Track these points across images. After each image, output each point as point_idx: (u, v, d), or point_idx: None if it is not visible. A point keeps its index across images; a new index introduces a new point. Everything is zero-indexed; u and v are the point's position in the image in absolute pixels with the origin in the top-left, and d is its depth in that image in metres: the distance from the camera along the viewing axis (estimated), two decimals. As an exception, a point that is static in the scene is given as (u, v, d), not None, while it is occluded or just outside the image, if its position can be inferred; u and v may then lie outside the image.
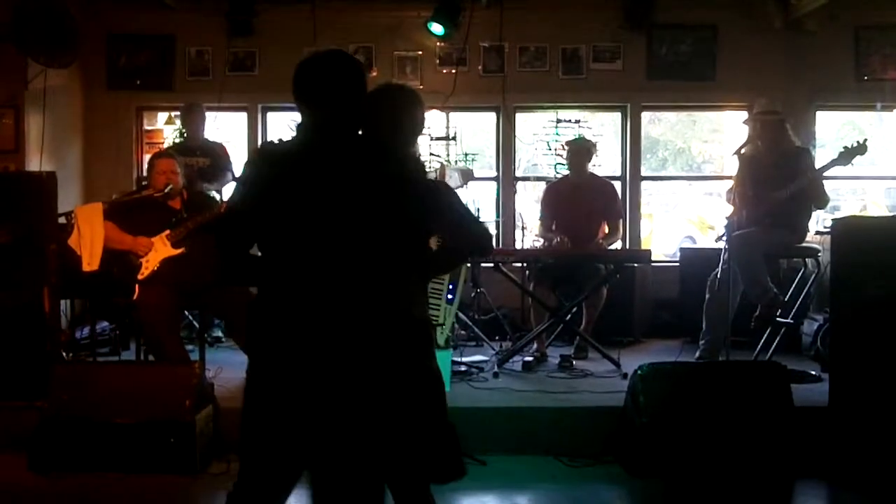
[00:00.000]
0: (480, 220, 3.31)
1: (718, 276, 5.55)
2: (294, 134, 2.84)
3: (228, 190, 7.37)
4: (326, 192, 2.62)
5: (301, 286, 2.63)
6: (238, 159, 7.65)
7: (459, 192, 7.05)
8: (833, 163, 5.59)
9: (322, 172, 2.65)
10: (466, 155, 8.07)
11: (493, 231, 5.16)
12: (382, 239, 2.66)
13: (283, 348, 2.64)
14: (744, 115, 7.98)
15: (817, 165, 5.81)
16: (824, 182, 5.78)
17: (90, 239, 5.50)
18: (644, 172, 8.45)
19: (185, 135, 7.46)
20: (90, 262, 5.46)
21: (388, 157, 2.79)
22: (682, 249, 8.11)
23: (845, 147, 5.56)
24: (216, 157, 7.12)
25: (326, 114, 2.73)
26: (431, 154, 7.89)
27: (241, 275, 2.90)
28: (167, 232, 5.63)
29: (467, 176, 6.90)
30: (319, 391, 2.63)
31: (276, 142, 2.92)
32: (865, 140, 5.54)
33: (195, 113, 7.23)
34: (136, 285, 5.51)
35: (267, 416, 2.70)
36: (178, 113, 8.03)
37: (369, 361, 2.63)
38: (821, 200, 5.80)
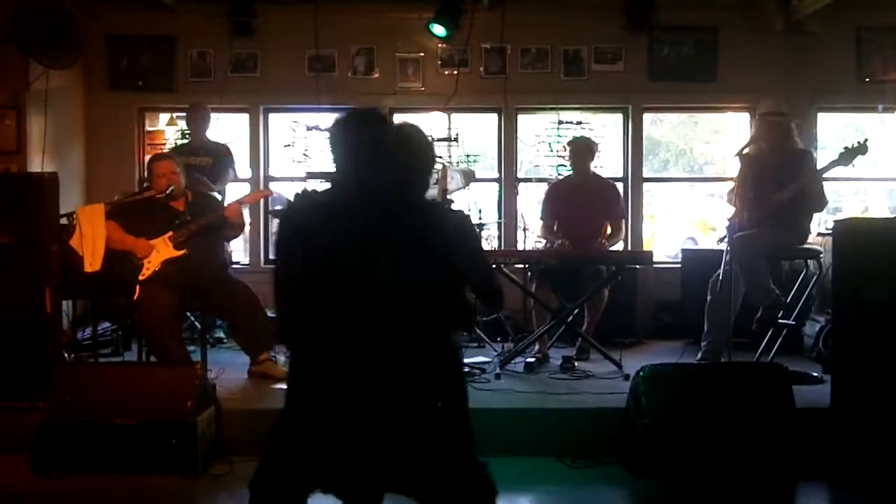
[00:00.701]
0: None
1: (720, 277, 5.55)
2: (328, 186, 2.96)
3: (231, 190, 7.36)
4: (365, 248, 2.72)
5: (341, 343, 2.73)
6: (241, 160, 7.67)
7: (461, 193, 7.09)
8: (834, 163, 5.59)
9: (359, 229, 2.75)
10: (468, 156, 8.08)
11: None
12: (419, 289, 2.76)
13: (327, 401, 2.76)
14: (745, 116, 8.04)
15: (818, 167, 5.81)
16: (823, 185, 5.77)
17: (92, 240, 5.51)
18: (646, 174, 8.44)
19: (189, 135, 7.47)
20: (92, 262, 5.47)
21: (416, 208, 2.90)
22: (683, 251, 8.11)
23: (846, 147, 5.55)
24: (220, 158, 7.13)
25: (359, 171, 2.83)
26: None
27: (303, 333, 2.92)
28: (170, 233, 5.64)
29: (469, 177, 6.89)
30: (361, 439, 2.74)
31: (310, 193, 2.99)
32: (866, 140, 5.54)
33: (200, 113, 7.23)
34: (138, 286, 5.51)
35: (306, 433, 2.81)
36: (179, 114, 8.04)
37: (408, 408, 2.77)
38: (818, 203, 5.79)
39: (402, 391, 2.74)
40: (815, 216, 6.06)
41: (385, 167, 2.84)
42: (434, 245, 2.79)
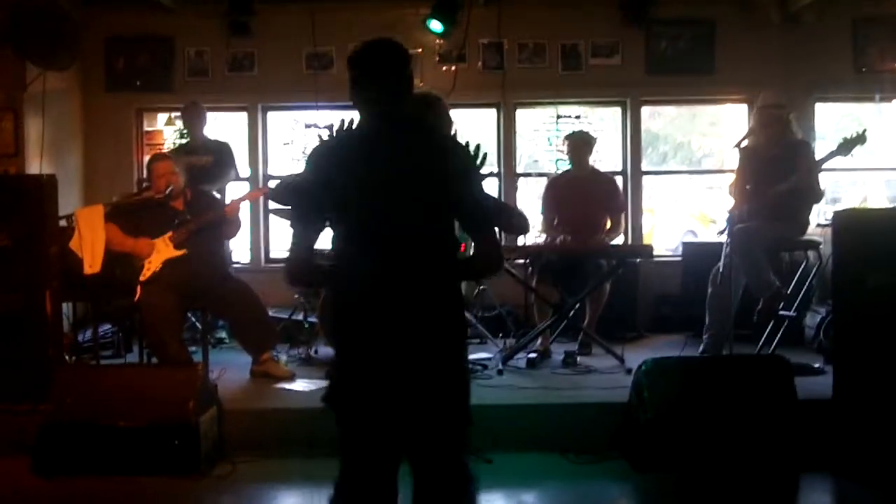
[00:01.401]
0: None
1: (720, 270, 5.54)
2: (354, 122, 3.04)
3: (231, 189, 7.35)
4: (394, 171, 2.79)
5: (369, 257, 2.79)
6: (240, 159, 7.65)
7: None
8: (833, 153, 5.58)
9: (389, 153, 2.83)
10: (467, 152, 8.05)
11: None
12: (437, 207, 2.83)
13: (362, 315, 2.81)
14: (743, 108, 8.03)
15: (817, 157, 5.80)
16: (819, 177, 5.76)
17: (91, 241, 5.51)
18: (644, 167, 8.44)
19: (188, 134, 7.46)
20: (92, 264, 5.47)
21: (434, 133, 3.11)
22: (683, 244, 8.12)
23: (845, 138, 5.55)
24: (220, 156, 7.12)
25: (388, 96, 2.87)
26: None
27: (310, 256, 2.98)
28: (170, 233, 5.64)
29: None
30: (397, 352, 2.78)
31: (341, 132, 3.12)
32: (865, 130, 5.53)
33: (195, 112, 7.23)
34: (138, 286, 5.51)
35: (360, 376, 2.85)
36: (177, 114, 8.03)
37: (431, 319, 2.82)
38: (813, 195, 5.78)
39: (420, 327, 2.81)
40: (815, 207, 6.05)
41: (406, 96, 2.93)
42: (450, 174, 2.87)
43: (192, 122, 7.24)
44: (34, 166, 7.04)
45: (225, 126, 8.22)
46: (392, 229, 2.79)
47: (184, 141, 7.67)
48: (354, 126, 3.06)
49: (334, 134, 3.00)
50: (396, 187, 2.79)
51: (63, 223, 5.62)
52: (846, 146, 5.51)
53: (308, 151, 3.22)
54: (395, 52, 2.91)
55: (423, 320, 2.81)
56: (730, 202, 5.96)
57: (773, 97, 5.98)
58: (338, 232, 2.91)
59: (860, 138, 5.48)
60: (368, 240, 2.82)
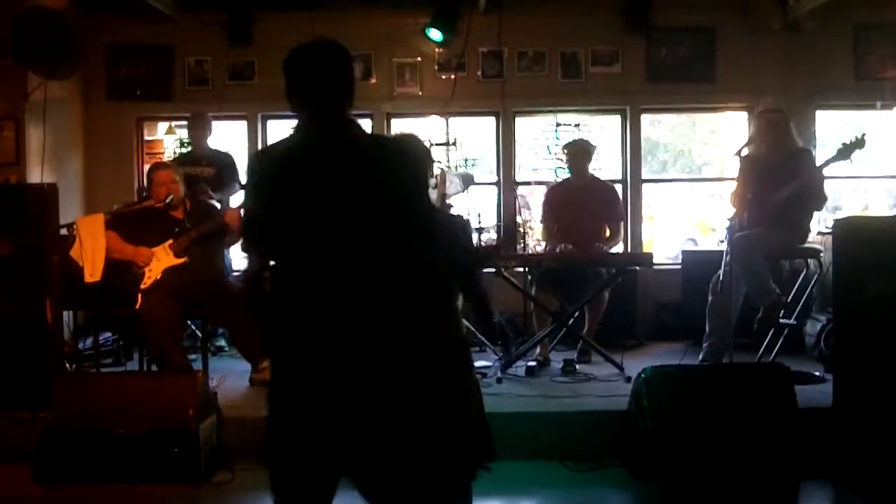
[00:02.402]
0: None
1: (721, 278, 5.54)
2: (292, 132, 2.91)
3: (236, 199, 7.35)
4: (332, 189, 2.67)
5: (313, 282, 2.66)
6: (240, 168, 7.66)
7: (460, 197, 7.08)
8: (832, 159, 5.58)
9: (326, 170, 2.70)
10: (466, 160, 8.08)
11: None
12: (383, 230, 2.70)
13: (300, 347, 2.67)
14: (744, 116, 8.03)
15: (817, 163, 5.81)
16: (823, 183, 5.76)
17: (92, 250, 5.51)
18: (644, 175, 8.44)
19: (191, 145, 7.47)
20: (92, 273, 5.48)
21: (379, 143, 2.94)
22: (683, 252, 8.11)
23: (844, 143, 5.54)
24: (223, 167, 7.12)
25: (322, 107, 2.79)
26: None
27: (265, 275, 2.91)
28: (170, 241, 5.64)
29: (468, 181, 6.88)
30: (337, 387, 2.65)
31: (276, 143, 2.98)
32: (864, 134, 5.52)
33: (200, 122, 7.22)
34: (139, 295, 5.52)
35: (291, 420, 2.71)
36: (178, 123, 8.04)
37: (378, 357, 2.66)
38: (818, 201, 5.78)
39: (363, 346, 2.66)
40: (815, 215, 6.05)
41: (344, 101, 2.82)
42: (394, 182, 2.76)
43: (197, 132, 7.24)
44: (35, 175, 7.05)
45: (225, 135, 8.22)
46: (332, 253, 2.65)
47: (184, 150, 7.68)
48: (290, 135, 2.93)
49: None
50: (333, 205, 2.65)
51: (64, 232, 5.63)
52: (846, 151, 5.51)
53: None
54: (331, 54, 2.80)
55: (373, 366, 2.65)
56: (730, 211, 5.96)
57: (772, 102, 5.98)
58: (277, 257, 2.79)
59: (859, 142, 5.47)
60: (304, 266, 2.68)
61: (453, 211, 6.55)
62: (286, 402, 2.72)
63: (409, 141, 3.47)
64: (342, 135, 2.77)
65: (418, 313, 2.77)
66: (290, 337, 2.68)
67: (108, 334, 6.54)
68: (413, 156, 2.94)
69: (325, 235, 2.65)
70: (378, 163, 2.74)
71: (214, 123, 7.51)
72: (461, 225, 3.25)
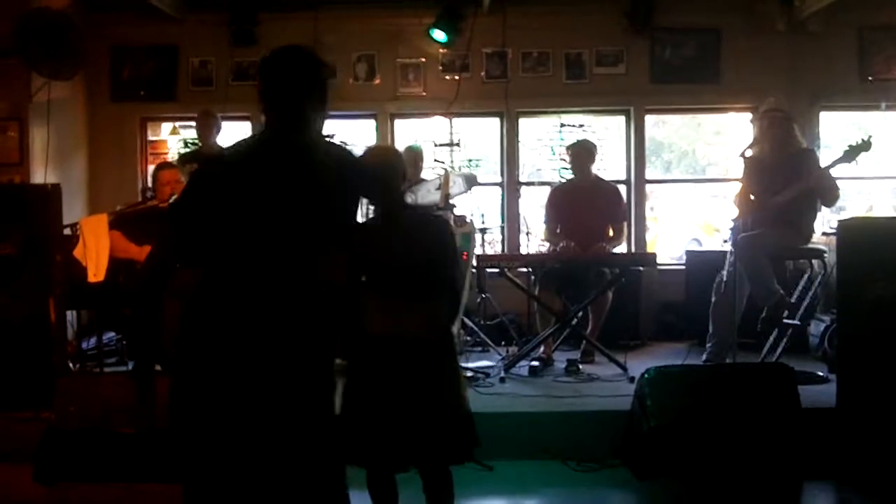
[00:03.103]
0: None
1: (724, 278, 5.53)
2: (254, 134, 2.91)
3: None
4: (270, 200, 2.64)
5: (239, 295, 2.63)
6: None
7: (464, 197, 7.08)
8: (838, 161, 5.57)
9: (266, 180, 2.68)
10: (470, 161, 8.08)
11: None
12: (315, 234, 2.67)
13: (216, 358, 2.64)
14: (748, 116, 8.01)
15: (822, 164, 5.79)
16: (832, 175, 5.73)
17: (95, 250, 5.51)
18: (649, 176, 8.43)
19: (199, 143, 7.46)
20: (96, 272, 5.48)
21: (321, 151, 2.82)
22: (687, 252, 8.10)
23: (850, 145, 5.53)
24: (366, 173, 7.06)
25: (281, 116, 2.76)
26: (436, 160, 7.90)
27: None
28: (173, 242, 5.64)
29: (471, 181, 6.89)
30: (253, 388, 2.62)
31: (227, 148, 2.98)
32: (870, 137, 5.51)
33: (209, 121, 7.19)
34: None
35: (203, 433, 2.68)
36: (182, 123, 8.05)
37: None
38: (832, 196, 5.74)
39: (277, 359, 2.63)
40: (819, 216, 6.04)
41: (308, 111, 2.79)
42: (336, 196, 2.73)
43: (205, 130, 7.20)
44: (39, 175, 7.06)
45: (229, 135, 8.22)
46: (260, 267, 2.61)
47: (186, 150, 7.68)
48: (250, 138, 2.94)
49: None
50: (269, 217, 2.62)
51: (67, 232, 5.63)
52: (851, 153, 5.50)
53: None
54: (300, 63, 2.78)
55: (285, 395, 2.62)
56: (734, 211, 5.94)
57: (774, 103, 5.97)
58: (207, 265, 2.73)
59: (865, 145, 5.47)
60: (233, 277, 2.64)
61: (457, 212, 6.57)
62: (199, 414, 2.68)
63: (376, 156, 3.47)
64: (294, 146, 2.74)
65: (317, 334, 2.73)
66: (208, 347, 2.65)
67: (112, 334, 6.54)
68: (369, 175, 2.91)
69: (255, 248, 2.62)
70: (323, 179, 2.70)
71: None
72: (436, 234, 3.27)
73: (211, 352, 2.63)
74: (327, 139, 2.98)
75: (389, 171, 3.36)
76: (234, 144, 2.95)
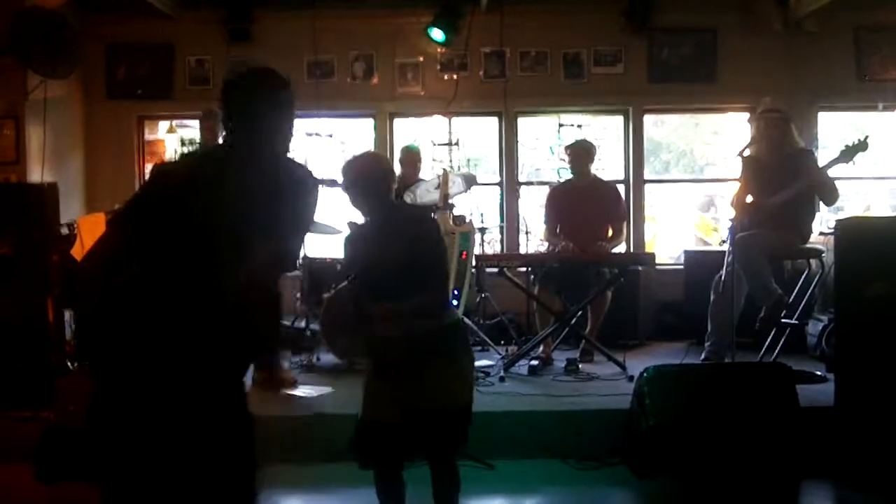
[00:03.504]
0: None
1: (723, 277, 5.54)
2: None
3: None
4: (217, 210, 2.64)
5: (176, 300, 2.61)
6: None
7: (462, 197, 7.08)
8: (835, 161, 5.58)
9: (227, 188, 2.69)
10: (469, 160, 8.08)
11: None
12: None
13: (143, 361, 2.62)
14: (746, 116, 8.02)
15: (820, 164, 5.80)
16: (831, 175, 5.74)
17: (93, 249, 5.50)
18: (647, 176, 8.44)
19: (201, 142, 7.43)
20: (93, 272, 5.46)
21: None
22: (686, 252, 8.10)
23: (847, 145, 5.54)
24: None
25: (245, 132, 2.80)
26: (434, 160, 7.90)
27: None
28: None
29: (470, 181, 6.90)
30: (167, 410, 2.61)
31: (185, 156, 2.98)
32: (867, 137, 5.52)
33: (212, 119, 7.14)
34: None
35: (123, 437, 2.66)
36: (179, 122, 8.02)
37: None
38: (830, 197, 5.75)
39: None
40: (818, 215, 6.05)
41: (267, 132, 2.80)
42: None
43: (209, 129, 7.14)
44: (35, 174, 7.04)
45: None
46: (209, 281, 2.60)
47: (185, 149, 7.65)
48: (212, 148, 2.95)
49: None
50: (222, 231, 2.62)
51: (65, 231, 5.62)
52: (848, 153, 5.51)
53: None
54: (264, 85, 2.84)
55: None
56: (731, 212, 5.94)
57: (771, 103, 5.99)
58: (154, 271, 2.69)
59: (862, 145, 5.48)
60: (182, 290, 2.62)
61: (456, 211, 6.58)
62: (118, 414, 2.66)
63: (359, 165, 3.49)
64: (253, 162, 2.75)
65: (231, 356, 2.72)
66: (132, 347, 2.63)
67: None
68: (312, 195, 2.86)
69: (197, 256, 2.62)
70: (277, 197, 2.69)
71: (215, 123, 7.49)
72: (419, 233, 3.37)
73: (134, 351, 2.62)
74: (290, 157, 2.98)
75: (371, 179, 3.43)
76: (195, 153, 2.98)
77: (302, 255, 6.64)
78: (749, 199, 5.88)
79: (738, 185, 5.98)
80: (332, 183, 7.25)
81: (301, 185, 2.81)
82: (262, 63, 2.97)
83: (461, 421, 3.40)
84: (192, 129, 7.97)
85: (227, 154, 2.86)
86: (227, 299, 2.61)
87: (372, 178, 3.44)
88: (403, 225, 3.46)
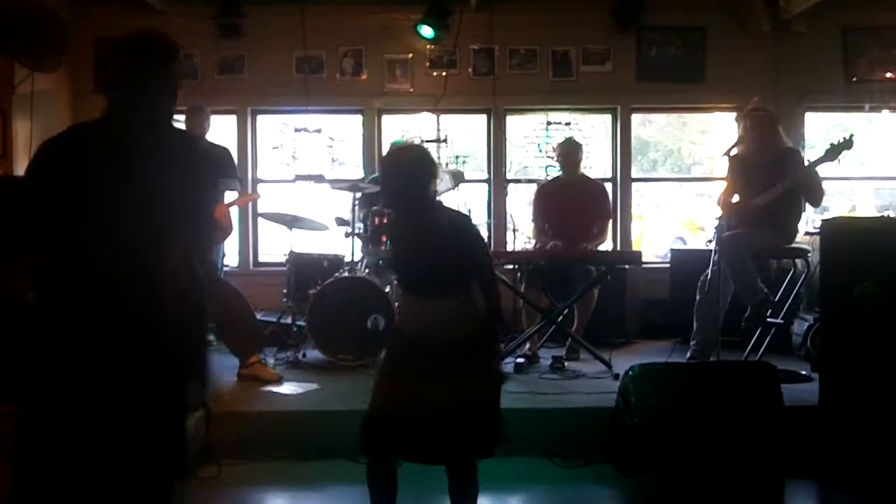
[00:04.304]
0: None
1: (709, 276, 5.55)
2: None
3: (230, 195, 7.27)
4: (112, 184, 2.54)
5: (87, 286, 2.52)
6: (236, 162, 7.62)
7: (451, 194, 7.08)
8: (820, 160, 5.60)
9: (120, 159, 2.60)
10: (457, 157, 8.08)
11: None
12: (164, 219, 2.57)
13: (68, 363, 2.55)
14: (733, 116, 8.04)
15: (805, 163, 5.82)
16: (818, 176, 5.75)
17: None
18: (634, 174, 8.45)
19: None
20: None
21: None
22: (672, 251, 8.13)
23: (832, 143, 5.57)
24: (219, 162, 7.01)
25: (127, 98, 2.72)
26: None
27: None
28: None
29: (458, 178, 6.90)
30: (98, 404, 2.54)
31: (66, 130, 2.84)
32: (851, 135, 5.54)
33: (199, 116, 7.11)
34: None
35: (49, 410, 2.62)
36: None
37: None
38: (816, 197, 5.78)
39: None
40: (803, 215, 6.07)
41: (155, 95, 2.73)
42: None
43: (195, 126, 7.12)
44: (22, 168, 6.96)
45: (214, 129, 8.18)
46: (112, 258, 2.48)
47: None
48: (92, 121, 2.79)
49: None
50: (119, 203, 2.50)
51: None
52: (833, 151, 5.53)
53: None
54: (145, 47, 2.76)
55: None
56: (718, 211, 5.97)
57: (758, 102, 6.01)
58: (48, 254, 2.59)
59: (847, 143, 5.50)
60: (82, 269, 2.51)
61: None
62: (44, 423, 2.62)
63: (399, 155, 3.50)
64: (139, 131, 2.67)
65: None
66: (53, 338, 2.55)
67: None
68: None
69: (96, 234, 2.50)
70: (167, 166, 2.61)
71: (204, 118, 7.45)
72: (463, 230, 3.38)
73: (56, 343, 2.55)
74: (175, 125, 2.90)
75: (412, 170, 3.45)
76: (75, 127, 2.86)
77: (288, 251, 6.64)
78: (736, 198, 5.91)
79: (724, 184, 6.00)
80: (320, 178, 7.32)
81: (189, 153, 2.74)
82: (151, 28, 2.90)
83: (491, 427, 3.38)
84: (179, 124, 7.90)
85: (106, 124, 2.74)
86: (138, 271, 2.50)
87: (422, 175, 3.45)
88: (447, 223, 3.47)
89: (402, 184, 3.47)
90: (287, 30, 7.78)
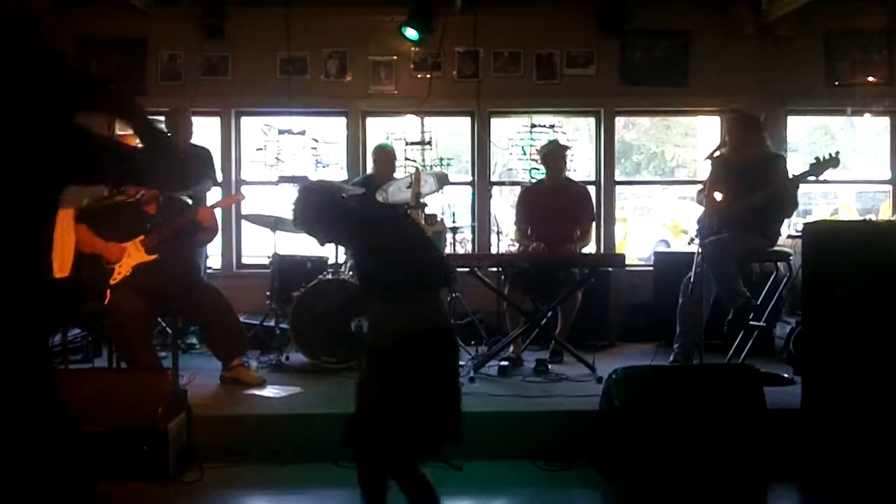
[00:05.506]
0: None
1: (691, 280, 5.57)
2: None
3: (211, 195, 7.24)
4: None
5: None
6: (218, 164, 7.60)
7: (435, 196, 7.08)
8: (804, 174, 5.61)
9: None
10: (441, 159, 8.07)
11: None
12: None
13: None
14: (717, 119, 8.09)
15: (790, 174, 5.83)
16: (797, 189, 5.79)
17: (60, 245, 5.44)
18: (618, 177, 8.47)
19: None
20: (60, 268, 5.40)
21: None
22: (655, 253, 8.15)
23: (817, 158, 5.58)
24: (199, 162, 7.02)
25: None
26: (407, 159, 7.89)
27: None
28: (141, 237, 5.58)
29: (442, 180, 6.89)
30: None
31: None
32: (838, 153, 5.54)
33: (181, 119, 7.10)
34: (108, 290, 5.46)
35: None
36: (150, 118, 7.93)
37: None
38: (789, 208, 5.83)
39: None
40: (786, 220, 6.11)
41: None
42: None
43: (177, 129, 7.10)
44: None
45: (198, 131, 8.16)
46: None
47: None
48: None
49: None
50: None
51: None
52: (818, 168, 5.54)
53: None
54: None
55: None
56: (699, 210, 5.98)
57: (743, 104, 6.03)
58: None
59: (833, 161, 5.51)
60: None
61: (428, 211, 6.57)
62: None
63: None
64: None
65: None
66: None
67: (77, 330, 6.46)
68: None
69: None
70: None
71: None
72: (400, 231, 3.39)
73: None
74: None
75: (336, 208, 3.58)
76: None
77: (272, 252, 6.63)
78: (718, 196, 5.91)
79: (705, 184, 6.01)
80: (304, 181, 7.29)
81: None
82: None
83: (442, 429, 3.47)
84: (160, 125, 7.88)
85: None
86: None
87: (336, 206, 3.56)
88: (384, 224, 3.53)
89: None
90: (271, 31, 7.77)
